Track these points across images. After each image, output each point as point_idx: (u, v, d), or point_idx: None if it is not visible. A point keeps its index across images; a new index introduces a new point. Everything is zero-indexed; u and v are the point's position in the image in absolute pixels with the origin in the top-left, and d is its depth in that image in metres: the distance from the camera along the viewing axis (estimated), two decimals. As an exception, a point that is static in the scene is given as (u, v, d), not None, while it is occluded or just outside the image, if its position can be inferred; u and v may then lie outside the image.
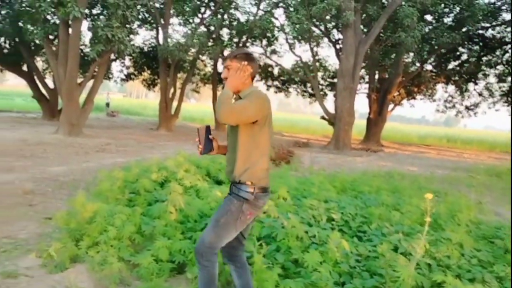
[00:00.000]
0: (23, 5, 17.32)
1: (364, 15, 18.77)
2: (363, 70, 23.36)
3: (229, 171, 2.62)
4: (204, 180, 5.49)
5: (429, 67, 24.71)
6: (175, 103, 21.50)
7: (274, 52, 24.73)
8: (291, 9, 19.96)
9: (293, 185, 5.83)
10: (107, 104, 31.83)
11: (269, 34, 22.40)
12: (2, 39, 20.80)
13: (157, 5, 19.50)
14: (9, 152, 9.60)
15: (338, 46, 21.33)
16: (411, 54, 21.84)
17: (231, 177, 2.60)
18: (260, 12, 22.54)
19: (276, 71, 26.46)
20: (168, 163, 5.42)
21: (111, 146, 12.56)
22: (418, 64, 23.07)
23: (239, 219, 2.52)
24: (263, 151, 2.57)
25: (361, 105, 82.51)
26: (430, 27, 20.92)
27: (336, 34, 22.39)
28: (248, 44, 24.36)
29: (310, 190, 5.73)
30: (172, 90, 20.74)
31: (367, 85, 24.67)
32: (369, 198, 5.83)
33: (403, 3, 16.95)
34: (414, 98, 26.85)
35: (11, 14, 18.09)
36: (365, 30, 19.69)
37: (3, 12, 19.44)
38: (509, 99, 24.78)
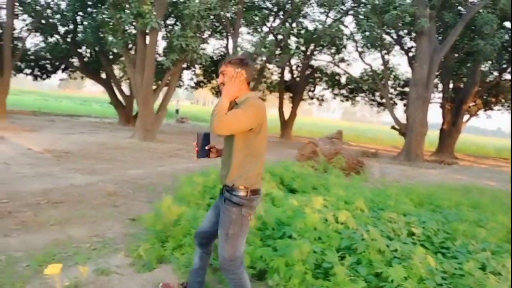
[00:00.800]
0: (104, 16, 18.44)
1: (439, 22, 18.09)
2: (436, 79, 22.49)
3: (223, 175, 2.71)
4: (278, 188, 5.52)
5: (508, 76, 23.32)
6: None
7: (342, 60, 24.49)
8: (361, 16, 19.68)
9: (368, 196, 5.72)
10: (177, 111, 32.97)
11: (338, 42, 22.21)
12: (84, 48, 22.28)
13: (228, 14, 19.94)
14: (91, 155, 10.21)
15: (410, 54, 20.70)
16: (489, 62, 20.74)
17: (225, 181, 2.68)
18: (329, 20, 22.44)
19: (343, 79, 26.17)
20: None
21: (183, 152, 12.98)
22: (496, 73, 21.84)
23: (243, 224, 2.64)
24: (257, 157, 2.65)
25: (432, 115, 79.20)
26: (510, 34, 19.76)
27: (408, 42, 21.75)
28: (315, 52, 24.32)
29: (386, 203, 5.59)
30: (239, 97, 21.08)
31: (439, 95, 23.71)
32: (450, 213, 5.59)
33: (482, 9, 16.16)
34: (491, 108, 25.41)
35: (92, 25, 19.27)
36: (439, 37, 18.93)
37: (85, 23, 20.79)
38: None
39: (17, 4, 18.20)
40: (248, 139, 2.59)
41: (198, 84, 26.13)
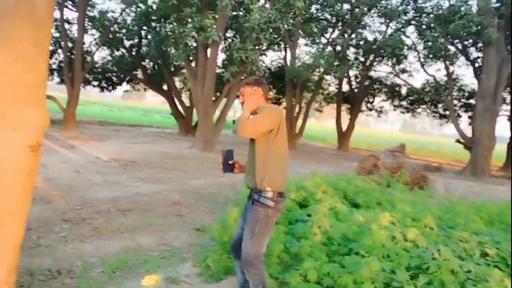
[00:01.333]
0: (168, 30, 19.14)
1: (508, 31, 17.21)
2: (504, 91, 21.35)
3: (249, 179, 2.93)
4: (342, 202, 5.44)
5: None
6: (298, 122, 21.83)
7: (403, 71, 23.91)
8: (424, 26, 19.15)
9: (435, 213, 5.50)
10: (233, 122, 33.22)
11: (398, 53, 21.72)
12: (147, 61, 23.21)
13: (286, 26, 20.08)
14: (154, 164, 10.55)
15: (476, 65, 19.83)
16: None
17: (252, 184, 2.89)
18: (390, 30, 22.02)
19: (404, 90, 25.51)
20: (306, 183, 5.49)
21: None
22: None
23: (268, 224, 2.83)
24: (279, 157, 2.86)
25: (498, 128, 75.10)
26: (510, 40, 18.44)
27: (474, 52, 20.85)
28: (375, 63, 23.89)
29: (455, 220, 5.36)
30: (297, 109, 21.09)
31: (507, 107, 22.47)
32: (525, 233, 5.27)
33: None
34: None
35: (156, 38, 20.08)
36: (508, 47, 18.01)
37: (149, 37, 21.71)
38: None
39: (86, 19, 19.31)
40: (268, 141, 2.83)
41: (255, 95, 26.35)
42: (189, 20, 14.53)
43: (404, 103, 26.25)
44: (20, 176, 2.22)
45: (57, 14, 18.83)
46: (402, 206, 5.43)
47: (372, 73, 25.13)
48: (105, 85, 24.55)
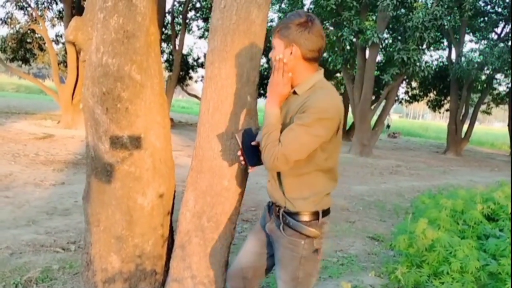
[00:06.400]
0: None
1: None
2: None
3: (278, 194, 2.00)
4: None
5: None
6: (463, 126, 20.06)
7: None
8: None
9: None
10: (388, 126, 32.17)
11: None
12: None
13: (452, 23, 18.64)
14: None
15: None
16: None
17: (280, 201, 1.98)
18: None
19: None
20: (495, 195, 4.96)
21: (402, 168, 12.53)
22: None
23: (316, 260, 1.97)
24: (327, 172, 1.91)
25: None
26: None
27: None
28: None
29: None
30: (463, 111, 19.41)
31: None
32: None
33: None
34: None
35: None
36: None
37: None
38: None
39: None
40: (315, 151, 1.77)
41: (413, 98, 25.02)
42: (347, 23, 14.40)
43: None
44: (234, 181, 2.39)
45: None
46: None
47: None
48: (261, 92, 25.75)
